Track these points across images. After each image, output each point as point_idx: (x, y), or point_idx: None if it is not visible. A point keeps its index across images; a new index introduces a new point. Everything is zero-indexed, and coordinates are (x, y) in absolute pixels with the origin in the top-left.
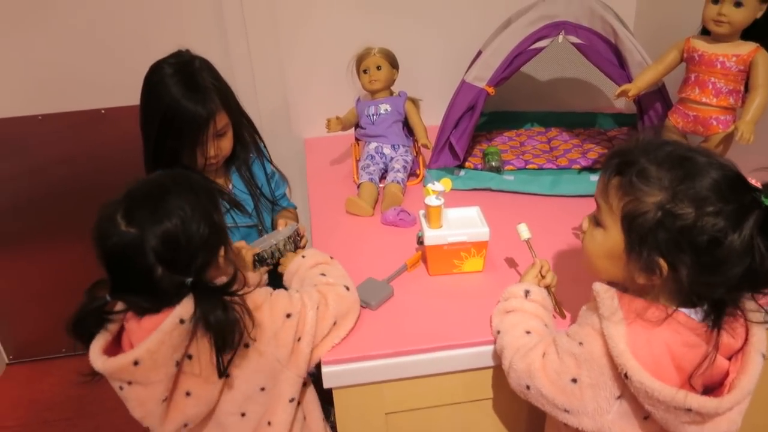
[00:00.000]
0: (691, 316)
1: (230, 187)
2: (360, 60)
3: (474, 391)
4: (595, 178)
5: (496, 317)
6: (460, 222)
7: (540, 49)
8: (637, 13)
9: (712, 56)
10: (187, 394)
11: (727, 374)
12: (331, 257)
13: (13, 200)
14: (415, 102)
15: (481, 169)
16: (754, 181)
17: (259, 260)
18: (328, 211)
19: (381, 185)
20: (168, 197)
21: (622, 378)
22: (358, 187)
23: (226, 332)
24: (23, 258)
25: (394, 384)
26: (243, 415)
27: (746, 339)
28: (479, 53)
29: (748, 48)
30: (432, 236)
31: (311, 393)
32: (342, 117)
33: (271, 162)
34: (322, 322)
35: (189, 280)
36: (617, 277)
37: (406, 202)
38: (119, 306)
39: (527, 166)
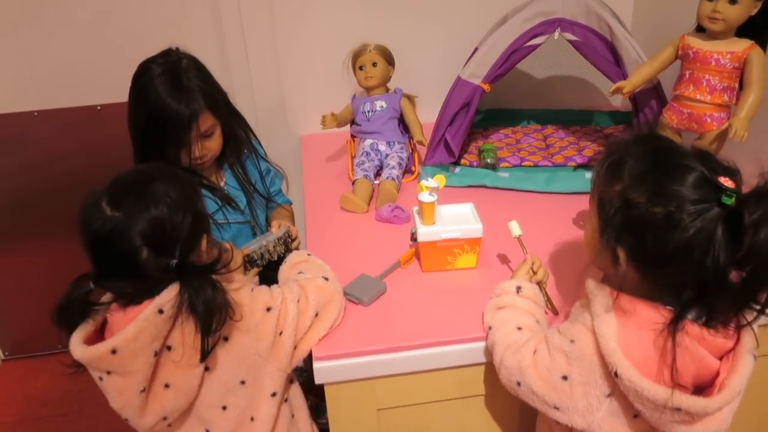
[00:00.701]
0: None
1: (222, 184)
2: (356, 56)
3: (466, 387)
4: (590, 175)
5: (487, 313)
6: (454, 218)
7: (536, 46)
8: (635, 11)
9: (707, 53)
10: (166, 386)
11: (717, 374)
12: (309, 254)
13: (8, 197)
14: (410, 99)
15: (477, 166)
16: (725, 181)
17: (249, 261)
18: (323, 207)
19: (376, 182)
20: (153, 185)
21: (612, 376)
22: (353, 183)
23: (214, 311)
24: (19, 254)
25: (387, 380)
26: (224, 408)
27: (737, 339)
28: (475, 50)
29: (742, 45)
30: (425, 232)
31: (296, 390)
32: (337, 114)
33: (266, 158)
34: (304, 315)
35: (174, 262)
36: (603, 267)
37: (400, 199)
38: (105, 298)
39: (523, 164)
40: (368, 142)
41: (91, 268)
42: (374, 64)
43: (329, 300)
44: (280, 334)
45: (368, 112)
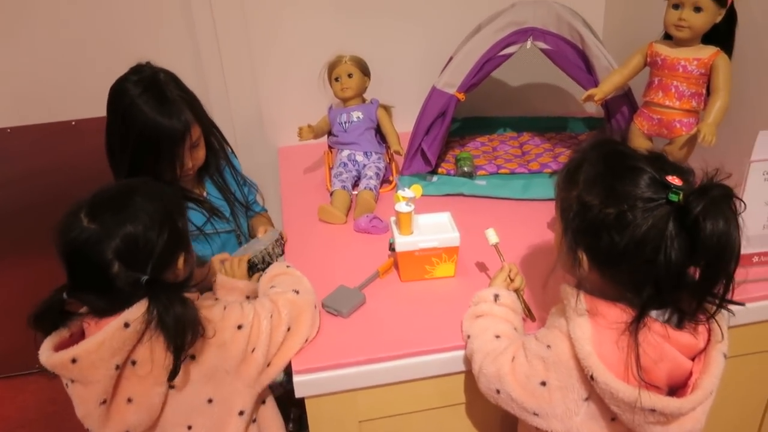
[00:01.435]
0: (657, 317)
1: (205, 194)
2: (331, 68)
3: (448, 396)
4: None
5: (466, 322)
6: (431, 228)
7: (509, 55)
8: (606, 19)
9: (674, 60)
10: (129, 400)
11: (690, 374)
12: (288, 266)
13: None
14: (387, 109)
15: (454, 175)
16: (673, 179)
17: (250, 267)
18: (301, 219)
19: (354, 192)
20: (133, 199)
21: (588, 380)
22: (331, 194)
23: (185, 328)
24: None
25: (368, 391)
26: (189, 428)
27: (708, 339)
28: (450, 59)
29: (708, 52)
30: (403, 242)
31: (270, 410)
32: (314, 125)
33: (234, 169)
34: (276, 330)
35: (144, 278)
36: (569, 271)
37: (378, 209)
38: (83, 309)
39: (499, 171)
40: (345, 152)
41: (66, 279)
42: (350, 75)
43: (299, 313)
44: (252, 351)
45: (345, 122)
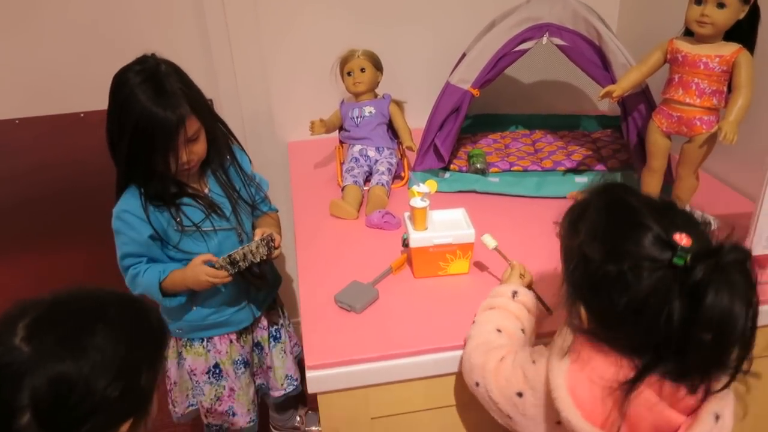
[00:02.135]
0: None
1: (206, 190)
2: (344, 62)
3: (461, 394)
4: (579, 179)
5: (479, 311)
6: (446, 224)
7: (524, 51)
8: (621, 16)
9: (696, 57)
10: None
11: (678, 428)
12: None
13: None
14: (399, 104)
15: (466, 172)
16: (681, 239)
17: (231, 263)
18: (312, 214)
19: (365, 188)
20: (94, 327)
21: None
22: (342, 189)
23: None
24: (1, 266)
25: (380, 388)
26: None
27: (703, 398)
28: (463, 55)
29: (730, 49)
30: (417, 238)
31: None
32: (326, 119)
33: (250, 165)
34: None
35: None
36: (571, 320)
37: (390, 205)
38: None
39: (512, 168)
40: (357, 147)
41: None
42: (362, 70)
43: None
44: None
45: (357, 117)
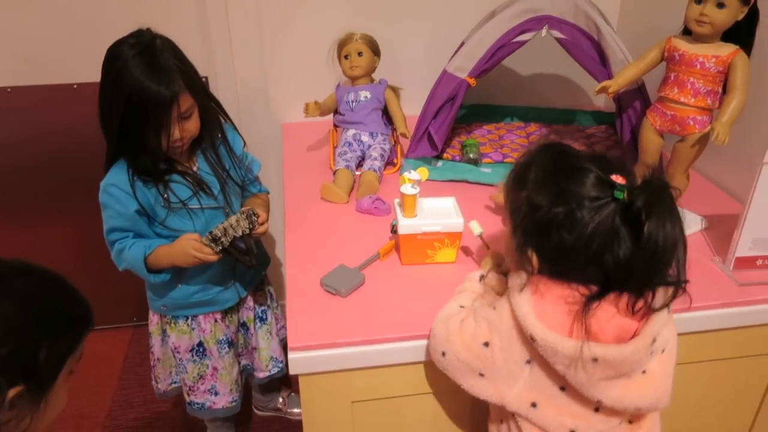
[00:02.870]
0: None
1: (195, 168)
2: (341, 45)
3: (443, 381)
4: None
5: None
6: (435, 212)
7: (523, 42)
8: (621, 12)
9: (693, 56)
10: None
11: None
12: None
13: None
14: (395, 90)
15: (459, 161)
16: (617, 178)
17: (213, 240)
18: (302, 196)
19: (357, 173)
20: None
21: (529, 341)
22: (334, 173)
23: None
24: None
25: (362, 372)
26: None
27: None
28: (462, 44)
29: (727, 50)
30: (406, 225)
31: None
32: (321, 102)
33: (244, 145)
34: None
35: None
36: (520, 270)
37: (381, 191)
38: None
39: (505, 160)
40: (351, 132)
41: None
42: (360, 54)
43: None
44: None
45: (352, 102)
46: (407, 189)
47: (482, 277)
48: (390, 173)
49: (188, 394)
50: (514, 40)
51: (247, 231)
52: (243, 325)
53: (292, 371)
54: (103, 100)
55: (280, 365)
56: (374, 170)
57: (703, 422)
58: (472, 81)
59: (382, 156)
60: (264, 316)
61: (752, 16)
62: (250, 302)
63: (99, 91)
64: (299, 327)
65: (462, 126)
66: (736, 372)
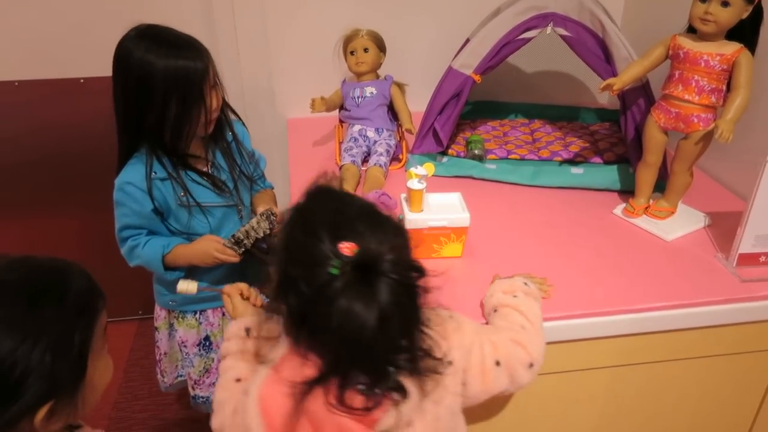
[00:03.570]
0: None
1: (210, 165)
2: (347, 41)
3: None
4: (576, 170)
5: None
6: (441, 207)
7: (528, 40)
8: (626, 9)
9: (697, 54)
10: None
11: None
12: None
13: None
14: (400, 86)
15: (464, 157)
16: (344, 248)
17: (236, 242)
18: None
19: (363, 168)
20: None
21: None
22: (340, 168)
23: None
24: None
25: None
26: None
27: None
28: (467, 41)
29: (732, 48)
30: (412, 219)
31: None
32: (326, 98)
33: (241, 143)
34: None
35: None
36: None
37: (387, 186)
38: None
39: (509, 156)
40: (357, 127)
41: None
42: (366, 50)
43: None
44: None
45: (358, 97)
46: (414, 184)
47: (248, 331)
48: (395, 169)
49: (193, 388)
50: (519, 37)
51: (268, 232)
52: None
53: None
54: (124, 96)
55: None
56: (380, 165)
57: (705, 418)
58: (477, 77)
59: (387, 151)
60: None
61: (757, 15)
62: None
63: (117, 89)
64: None
65: (466, 122)
66: (739, 368)
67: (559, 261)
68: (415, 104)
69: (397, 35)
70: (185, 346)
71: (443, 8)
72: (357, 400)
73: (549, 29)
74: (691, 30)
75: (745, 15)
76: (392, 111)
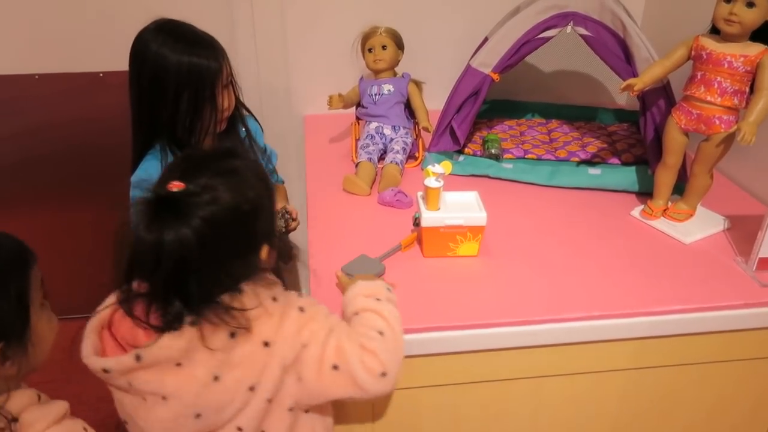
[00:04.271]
0: None
1: None
2: (365, 38)
3: (459, 374)
4: (593, 171)
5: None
6: (458, 205)
7: (547, 39)
8: (647, 9)
9: (720, 55)
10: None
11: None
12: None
13: (2, 160)
14: (418, 84)
15: (481, 156)
16: (173, 185)
17: None
18: (325, 188)
19: (379, 165)
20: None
21: None
22: (357, 165)
23: None
24: (9, 220)
25: None
26: None
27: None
28: (485, 40)
29: (756, 49)
30: (429, 218)
31: None
32: (344, 95)
33: (254, 139)
34: None
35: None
36: None
37: (403, 184)
38: None
39: (526, 156)
40: (373, 125)
41: None
42: (384, 47)
43: None
44: None
45: (375, 95)
46: (431, 182)
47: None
48: (411, 167)
49: None
50: (539, 36)
51: (283, 229)
52: None
53: None
54: (139, 88)
55: None
56: (396, 163)
57: (722, 424)
58: (495, 76)
59: (404, 149)
60: None
61: None
62: None
63: (132, 81)
64: None
65: (483, 121)
66: (758, 374)
67: (576, 262)
68: (432, 102)
69: (416, 33)
70: None
71: (462, 6)
72: (140, 309)
73: (569, 28)
74: (714, 31)
75: None
76: (409, 109)
